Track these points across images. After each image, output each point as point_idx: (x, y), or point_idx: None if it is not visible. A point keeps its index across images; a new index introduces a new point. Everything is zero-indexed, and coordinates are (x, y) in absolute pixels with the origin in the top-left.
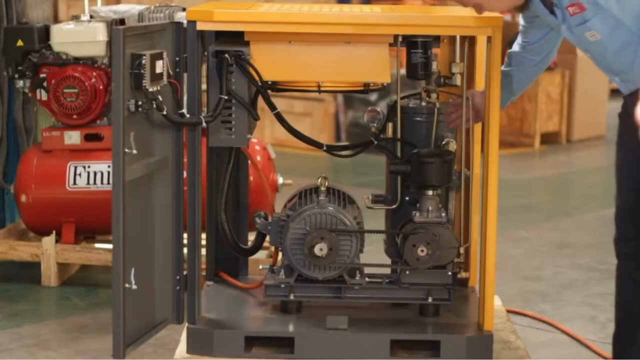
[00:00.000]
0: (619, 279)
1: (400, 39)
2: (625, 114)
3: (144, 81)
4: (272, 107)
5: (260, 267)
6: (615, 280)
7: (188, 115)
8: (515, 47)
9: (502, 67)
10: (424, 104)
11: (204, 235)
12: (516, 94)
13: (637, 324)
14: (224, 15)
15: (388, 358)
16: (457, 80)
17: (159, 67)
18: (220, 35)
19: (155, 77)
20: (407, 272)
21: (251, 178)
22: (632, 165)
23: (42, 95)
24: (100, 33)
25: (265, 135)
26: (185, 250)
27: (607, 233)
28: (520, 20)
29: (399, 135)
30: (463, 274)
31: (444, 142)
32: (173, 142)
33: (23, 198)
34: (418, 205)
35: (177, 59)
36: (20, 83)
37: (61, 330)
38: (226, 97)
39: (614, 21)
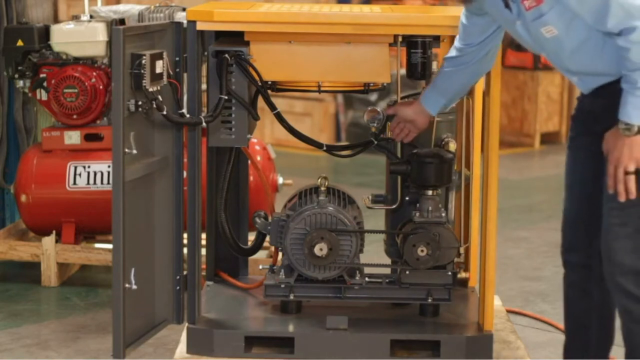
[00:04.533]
0: (568, 289)
1: (400, 39)
2: (579, 115)
3: (144, 81)
4: (272, 107)
5: (260, 267)
6: (563, 291)
7: (188, 115)
8: (452, 52)
9: (441, 67)
10: None
11: (204, 235)
12: (451, 98)
13: (590, 335)
14: (224, 15)
15: (388, 358)
16: None
17: (159, 67)
18: (220, 35)
19: (155, 77)
20: (407, 272)
21: (251, 178)
22: (583, 171)
23: (42, 95)
24: (100, 33)
25: (265, 135)
26: (185, 250)
27: None
28: (463, 19)
29: None
30: (463, 274)
31: (443, 142)
32: (173, 142)
33: (23, 198)
34: (418, 205)
35: (177, 59)
36: (20, 83)
37: (61, 330)
38: (226, 97)
39: (571, 15)
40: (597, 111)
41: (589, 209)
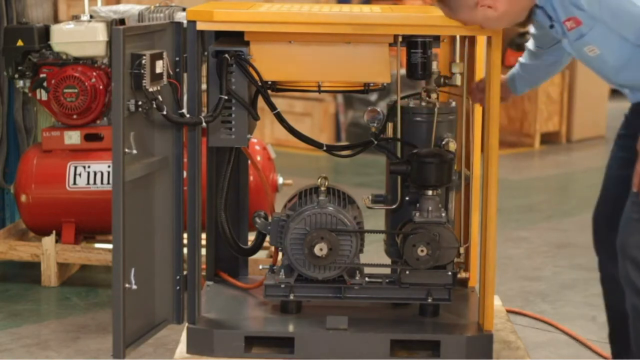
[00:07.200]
0: (604, 279)
1: (400, 39)
2: (630, 118)
3: (144, 81)
4: (272, 107)
5: (260, 267)
6: (600, 282)
7: (188, 115)
8: (530, 45)
9: (521, 59)
10: (424, 104)
11: (204, 235)
12: (531, 85)
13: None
14: (224, 15)
15: (388, 358)
16: (457, 80)
17: (159, 67)
18: (220, 35)
19: (155, 77)
20: (407, 272)
21: (251, 178)
22: (622, 169)
23: (42, 95)
24: (100, 33)
25: (265, 135)
26: (185, 250)
27: None
28: (531, 28)
29: (399, 135)
30: (463, 274)
31: (444, 142)
32: (173, 142)
33: (23, 198)
34: (418, 205)
35: (177, 59)
36: (20, 83)
37: (61, 330)
38: (226, 97)
39: (611, 34)
40: None
41: (623, 207)
